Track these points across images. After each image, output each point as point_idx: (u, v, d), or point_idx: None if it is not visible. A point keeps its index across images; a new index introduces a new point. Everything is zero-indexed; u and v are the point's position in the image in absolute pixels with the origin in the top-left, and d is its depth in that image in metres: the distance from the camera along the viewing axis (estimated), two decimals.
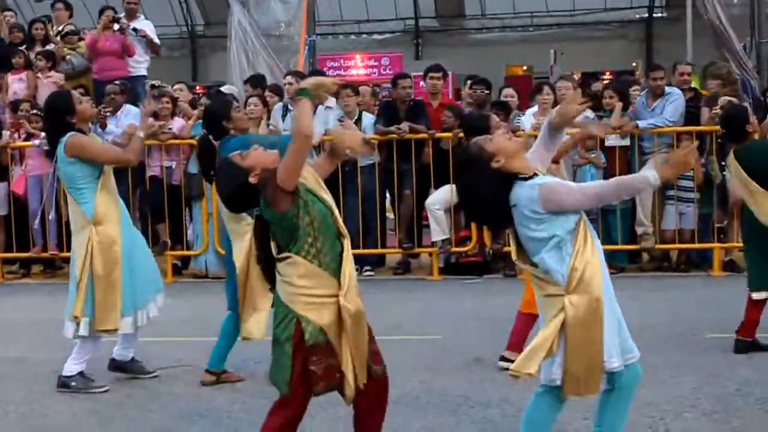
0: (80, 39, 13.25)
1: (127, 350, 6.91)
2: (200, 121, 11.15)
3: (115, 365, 6.90)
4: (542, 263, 4.41)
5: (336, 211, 4.42)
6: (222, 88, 12.27)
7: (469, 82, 12.24)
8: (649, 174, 4.33)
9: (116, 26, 12.75)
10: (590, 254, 4.39)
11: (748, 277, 7.29)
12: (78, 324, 6.46)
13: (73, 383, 6.58)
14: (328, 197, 4.43)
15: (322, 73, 12.67)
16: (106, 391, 6.58)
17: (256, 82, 12.71)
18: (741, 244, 10.64)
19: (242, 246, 6.02)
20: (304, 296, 4.33)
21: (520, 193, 4.39)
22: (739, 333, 7.19)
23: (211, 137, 6.85)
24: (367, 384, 4.45)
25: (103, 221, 6.50)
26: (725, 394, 6.13)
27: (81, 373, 6.61)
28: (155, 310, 6.77)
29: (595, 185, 4.52)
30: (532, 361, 4.41)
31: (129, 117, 11.30)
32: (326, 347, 4.32)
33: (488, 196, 4.46)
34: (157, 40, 13.60)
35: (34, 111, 11.26)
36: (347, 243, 4.41)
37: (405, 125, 10.92)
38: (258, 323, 6.07)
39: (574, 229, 4.38)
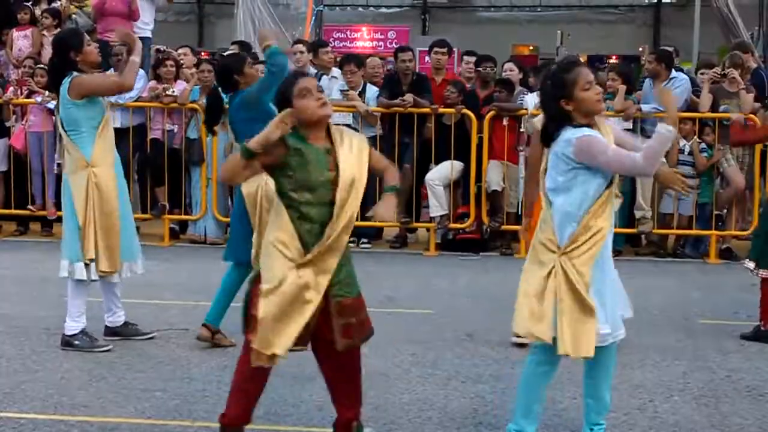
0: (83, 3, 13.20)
1: (117, 315, 6.89)
2: (198, 86, 11.18)
3: (110, 331, 6.88)
4: (553, 216, 4.57)
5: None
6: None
7: (465, 57, 12.20)
8: (662, 129, 4.42)
9: None
10: (601, 222, 4.52)
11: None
12: (84, 266, 6.48)
13: (77, 342, 6.58)
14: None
15: (325, 45, 12.63)
16: (108, 350, 6.59)
17: (240, 47, 12.65)
18: (739, 233, 10.74)
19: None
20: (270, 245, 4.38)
21: (564, 134, 4.53)
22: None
23: (220, 90, 6.84)
24: (333, 354, 4.48)
25: (100, 164, 6.54)
26: (715, 380, 6.15)
27: (83, 331, 6.62)
28: (140, 268, 6.81)
29: (631, 158, 4.50)
30: (541, 324, 4.54)
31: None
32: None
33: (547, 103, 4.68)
34: None
35: (39, 66, 11.23)
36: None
37: (409, 97, 10.89)
38: None
39: (594, 196, 4.51)
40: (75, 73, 6.55)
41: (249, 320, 4.38)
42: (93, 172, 6.50)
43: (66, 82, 6.53)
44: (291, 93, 4.37)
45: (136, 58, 6.80)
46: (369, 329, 4.57)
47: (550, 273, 4.55)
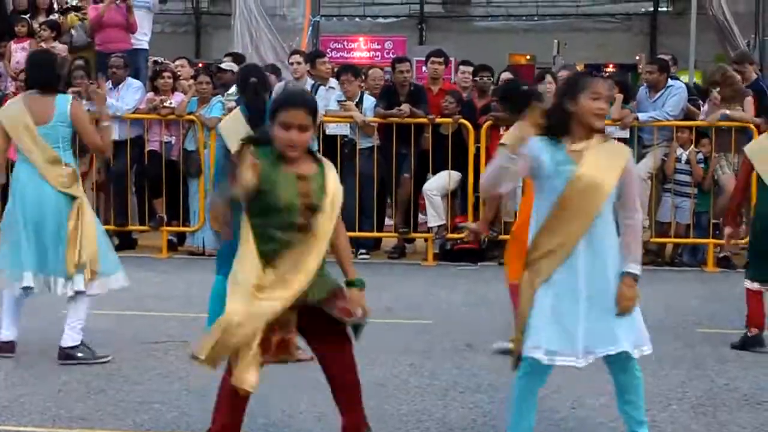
0: (84, 15, 13.21)
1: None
2: (195, 97, 11.20)
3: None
4: None
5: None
6: (222, 65, 12.25)
7: (462, 67, 12.23)
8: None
9: (121, 2, 12.68)
10: (560, 238, 4.48)
11: None
12: (88, 278, 6.49)
13: (80, 354, 6.58)
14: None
15: (322, 55, 12.67)
16: (108, 361, 6.60)
17: (235, 59, 12.70)
18: (737, 241, 10.72)
19: None
20: None
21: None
22: None
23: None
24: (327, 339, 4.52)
25: (79, 181, 6.64)
26: (713, 388, 6.16)
27: (83, 343, 6.62)
28: (121, 282, 6.76)
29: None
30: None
31: (131, 90, 11.34)
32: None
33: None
34: None
35: None
36: None
37: (405, 107, 10.92)
38: None
39: (548, 204, 4.52)
40: (72, 98, 6.66)
41: None
42: (79, 187, 6.61)
43: (67, 101, 6.58)
44: (275, 117, 4.37)
45: (106, 122, 6.86)
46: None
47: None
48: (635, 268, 4.54)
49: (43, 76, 6.68)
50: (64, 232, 6.47)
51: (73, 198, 6.52)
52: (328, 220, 4.39)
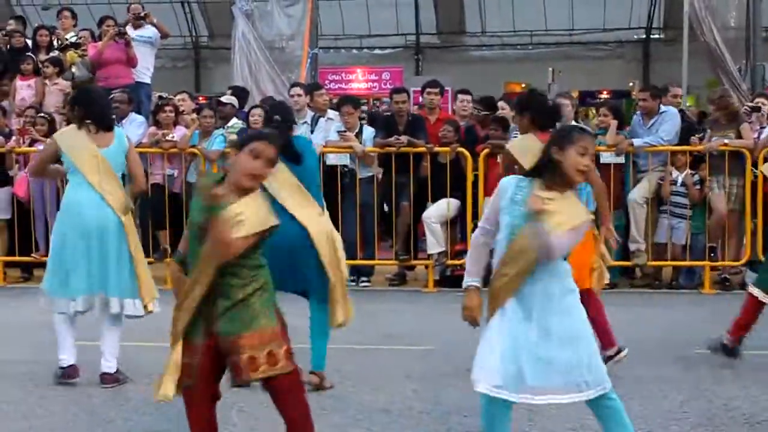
0: (84, 51, 13.37)
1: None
2: (197, 131, 11.36)
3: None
4: None
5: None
6: (222, 98, 12.40)
7: (460, 95, 12.39)
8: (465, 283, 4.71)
9: (120, 39, 12.83)
10: (515, 269, 4.52)
11: None
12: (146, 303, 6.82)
13: (121, 377, 6.85)
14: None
15: (319, 87, 12.83)
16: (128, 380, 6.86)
17: (237, 92, 12.84)
18: (732, 263, 10.85)
19: None
20: None
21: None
22: None
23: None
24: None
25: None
26: (712, 409, 6.23)
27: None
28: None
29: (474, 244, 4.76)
30: None
31: (134, 125, 11.48)
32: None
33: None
34: (165, 29, 13.88)
35: (41, 115, 11.42)
36: None
37: (404, 137, 11.07)
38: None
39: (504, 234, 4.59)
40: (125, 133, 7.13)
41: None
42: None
43: (123, 132, 7.07)
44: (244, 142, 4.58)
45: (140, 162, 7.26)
46: (280, 364, 4.53)
47: None
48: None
49: (104, 113, 7.03)
50: (126, 256, 6.78)
51: (129, 223, 6.89)
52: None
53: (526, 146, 6.71)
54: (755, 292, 7.27)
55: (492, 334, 4.58)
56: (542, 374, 4.45)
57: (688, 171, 10.84)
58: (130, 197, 6.95)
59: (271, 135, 4.77)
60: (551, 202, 4.49)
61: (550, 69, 22.14)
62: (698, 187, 10.82)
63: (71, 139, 6.91)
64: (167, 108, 11.60)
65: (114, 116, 7.11)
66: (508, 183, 4.63)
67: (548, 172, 4.59)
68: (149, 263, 11.29)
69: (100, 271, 6.72)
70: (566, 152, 4.54)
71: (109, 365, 6.83)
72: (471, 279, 4.71)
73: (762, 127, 10.91)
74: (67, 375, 6.84)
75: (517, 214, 4.54)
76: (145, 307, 6.84)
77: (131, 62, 12.92)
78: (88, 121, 6.86)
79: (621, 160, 10.80)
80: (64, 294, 6.75)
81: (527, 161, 6.31)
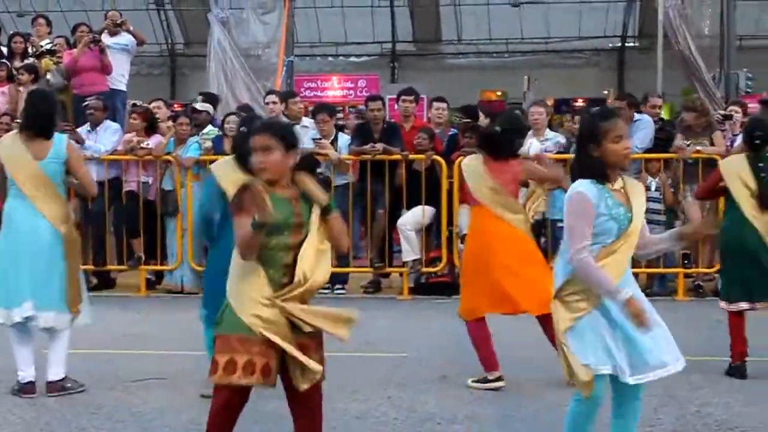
0: (59, 59, 13.30)
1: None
2: (173, 138, 11.34)
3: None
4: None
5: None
6: (197, 106, 12.37)
7: (435, 103, 12.41)
8: (622, 295, 4.52)
9: (94, 46, 12.77)
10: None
11: None
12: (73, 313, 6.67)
13: (68, 384, 6.73)
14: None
15: (294, 95, 12.84)
16: (84, 390, 6.76)
17: (207, 98, 12.82)
18: (706, 270, 10.93)
19: None
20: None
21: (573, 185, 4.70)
22: None
23: None
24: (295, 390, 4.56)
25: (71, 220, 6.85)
26: (686, 415, 6.27)
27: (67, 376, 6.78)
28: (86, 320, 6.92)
29: (577, 249, 4.58)
30: None
31: (109, 132, 11.45)
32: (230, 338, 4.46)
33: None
34: (141, 36, 13.80)
35: (17, 121, 11.32)
36: None
37: (379, 145, 11.08)
38: None
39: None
40: (67, 137, 6.87)
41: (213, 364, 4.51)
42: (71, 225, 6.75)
43: (63, 140, 6.78)
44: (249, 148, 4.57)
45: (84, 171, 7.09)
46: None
47: None
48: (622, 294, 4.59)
49: (37, 117, 6.80)
50: (59, 268, 6.63)
51: (67, 234, 6.70)
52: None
53: (472, 167, 7.13)
54: (723, 305, 7.45)
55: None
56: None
57: (662, 174, 10.88)
58: (73, 204, 6.88)
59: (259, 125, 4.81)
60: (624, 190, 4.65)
61: (526, 77, 22.24)
62: (673, 190, 10.88)
63: (8, 148, 6.81)
64: (135, 116, 11.57)
65: (52, 123, 6.83)
66: (591, 193, 4.57)
67: (599, 169, 4.60)
68: (122, 271, 11.47)
69: (29, 283, 6.61)
70: (603, 147, 4.57)
71: (53, 372, 6.73)
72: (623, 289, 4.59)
73: (735, 135, 10.99)
74: (23, 391, 6.73)
75: (622, 214, 4.60)
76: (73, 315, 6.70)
77: (106, 69, 12.87)
78: (25, 127, 6.81)
79: None
80: (6, 305, 6.65)
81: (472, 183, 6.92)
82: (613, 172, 4.64)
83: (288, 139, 4.58)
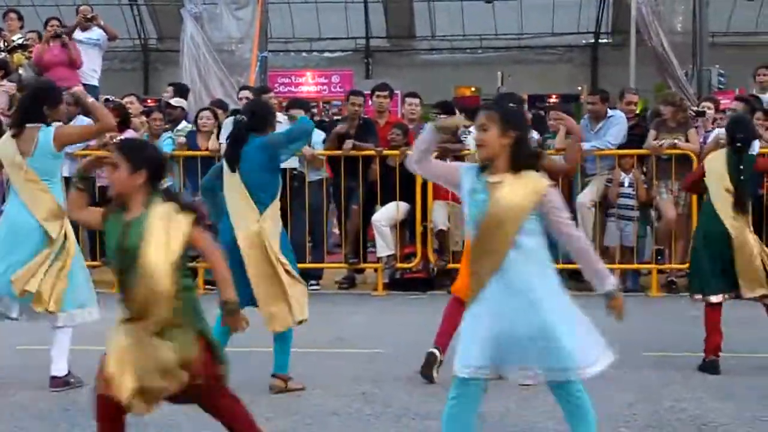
0: (31, 53, 13.20)
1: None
2: (147, 134, 11.27)
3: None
4: None
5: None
6: (171, 101, 12.31)
7: (408, 99, 12.39)
8: (611, 283, 4.71)
9: (54, 41, 12.67)
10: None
11: None
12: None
13: (72, 379, 6.74)
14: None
15: (267, 91, 12.79)
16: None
17: (177, 89, 12.74)
18: (679, 266, 10.98)
19: None
20: None
21: None
22: None
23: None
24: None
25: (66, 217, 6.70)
26: (660, 411, 6.29)
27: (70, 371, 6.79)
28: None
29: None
30: None
31: None
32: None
33: None
34: (113, 31, 13.71)
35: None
36: None
37: (348, 143, 11.05)
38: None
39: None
40: (54, 125, 6.72)
41: None
42: (67, 221, 6.66)
43: (48, 132, 6.66)
44: None
45: (90, 99, 7.09)
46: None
47: None
48: (610, 284, 4.72)
49: (21, 110, 6.84)
50: (58, 263, 6.63)
51: (57, 229, 6.65)
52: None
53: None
54: (697, 297, 7.47)
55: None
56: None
57: (635, 170, 10.93)
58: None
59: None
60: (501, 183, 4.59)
61: (500, 73, 22.28)
62: (646, 186, 10.93)
63: (2, 146, 6.84)
64: (115, 111, 11.47)
65: (30, 115, 6.74)
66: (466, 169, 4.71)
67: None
68: (95, 267, 11.38)
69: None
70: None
71: (56, 368, 6.74)
72: None
73: (708, 132, 11.06)
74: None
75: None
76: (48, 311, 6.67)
77: (74, 64, 12.78)
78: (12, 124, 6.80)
79: None
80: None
81: None
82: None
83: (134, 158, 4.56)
